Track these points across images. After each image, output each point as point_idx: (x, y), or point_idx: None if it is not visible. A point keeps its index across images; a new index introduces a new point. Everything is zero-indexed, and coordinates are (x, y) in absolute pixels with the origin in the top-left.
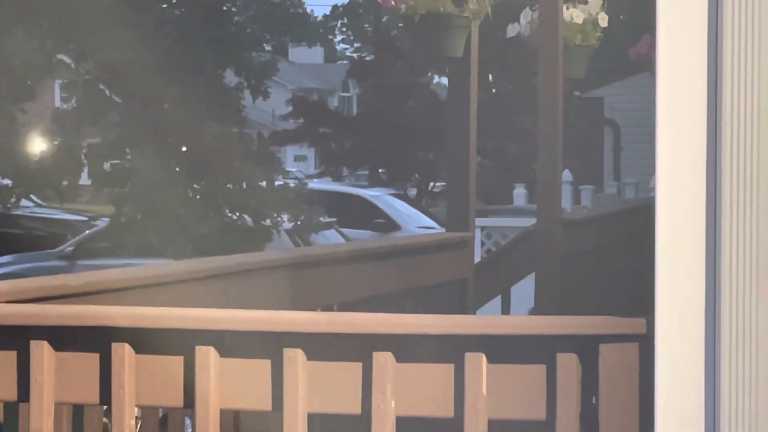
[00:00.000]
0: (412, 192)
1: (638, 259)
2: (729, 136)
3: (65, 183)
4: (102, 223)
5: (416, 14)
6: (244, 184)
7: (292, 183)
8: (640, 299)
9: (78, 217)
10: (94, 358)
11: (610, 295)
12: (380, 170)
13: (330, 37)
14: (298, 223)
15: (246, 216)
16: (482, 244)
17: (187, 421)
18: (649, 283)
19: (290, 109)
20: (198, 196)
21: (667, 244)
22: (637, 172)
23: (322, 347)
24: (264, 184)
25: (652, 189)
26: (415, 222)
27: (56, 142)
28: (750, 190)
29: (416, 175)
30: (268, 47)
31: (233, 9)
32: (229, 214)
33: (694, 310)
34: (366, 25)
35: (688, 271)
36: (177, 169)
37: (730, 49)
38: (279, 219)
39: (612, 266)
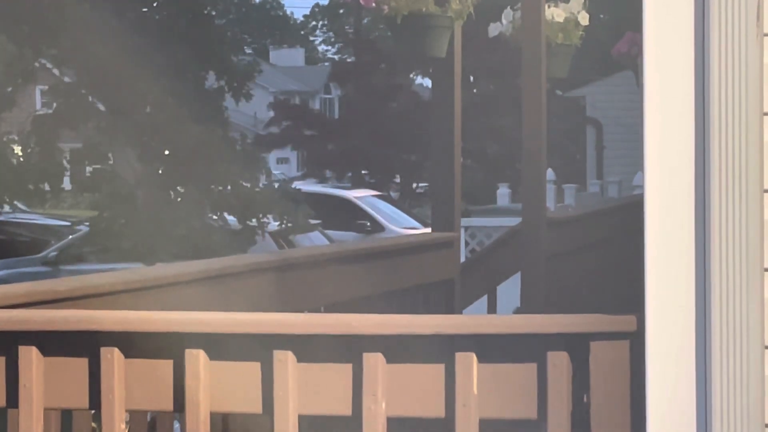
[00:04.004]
0: (396, 193)
1: (625, 256)
2: (717, 133)
3: (47, 188)
4: (85, 228)
5: (398, 15)
6: (228, 187)
7: (275, 185)
8: (627, 297)
9: (61, 222)
10: (82, 363)
11: (597, 294)
12: (363, 171)
13: (311, 38)
14: (282, 225)
15: (230, 218)
16: (466, 244)
17: (176, 425)
18: (636, 281)
19: (272, 112)
20: (180, 199)
21: (656, 241)
22: (620, 170)
23: (312, 349)
24: (248, 186)
25: (636, 186)
26: (398, 223)
27: (38, 148)
28: (739, 186)
29: (399, 177)
30: (249, 50)
31: (213, 12)
32: (213, 217)
33: (685, 307)
34: (347, 27)
35: (678, 267)
36: (160, 171)
37: (717, 44)
38: (264, 221)
39: (598, 264)
